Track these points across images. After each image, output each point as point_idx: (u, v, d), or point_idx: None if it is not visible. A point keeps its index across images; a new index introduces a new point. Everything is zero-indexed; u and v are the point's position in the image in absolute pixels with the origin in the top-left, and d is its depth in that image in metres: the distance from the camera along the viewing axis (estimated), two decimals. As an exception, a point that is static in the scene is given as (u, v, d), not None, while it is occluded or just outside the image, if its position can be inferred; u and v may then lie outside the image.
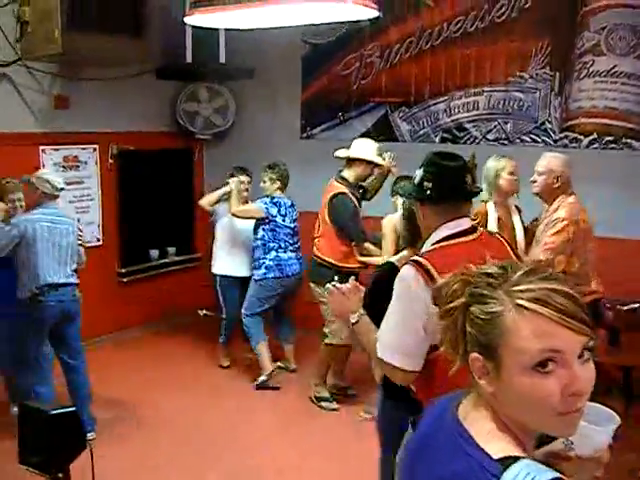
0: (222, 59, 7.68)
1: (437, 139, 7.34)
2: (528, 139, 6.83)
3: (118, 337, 7.84)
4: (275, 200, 6.67)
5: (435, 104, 7.32)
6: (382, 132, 7.64)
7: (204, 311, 7.82)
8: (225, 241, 7.12)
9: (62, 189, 5.52)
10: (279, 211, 6.65)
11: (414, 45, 7.33)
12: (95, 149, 7.72)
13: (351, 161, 6.11)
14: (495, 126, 6.99)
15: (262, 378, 6.67)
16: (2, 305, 5.43)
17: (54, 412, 3.01)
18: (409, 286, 2.72)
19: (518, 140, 6.87)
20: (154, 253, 8.40)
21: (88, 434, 5.37)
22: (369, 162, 6.09)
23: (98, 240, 7.73)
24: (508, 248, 3.03)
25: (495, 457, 1.39)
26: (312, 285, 6.23)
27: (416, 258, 2.78)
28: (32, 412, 3.09)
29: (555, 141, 6.70)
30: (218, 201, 6.99)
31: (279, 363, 6.92)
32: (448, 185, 2.87)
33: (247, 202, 6.89)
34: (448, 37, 7.12)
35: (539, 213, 5.12)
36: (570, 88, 6.57)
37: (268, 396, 6.51)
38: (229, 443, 5.61)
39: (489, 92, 6.99)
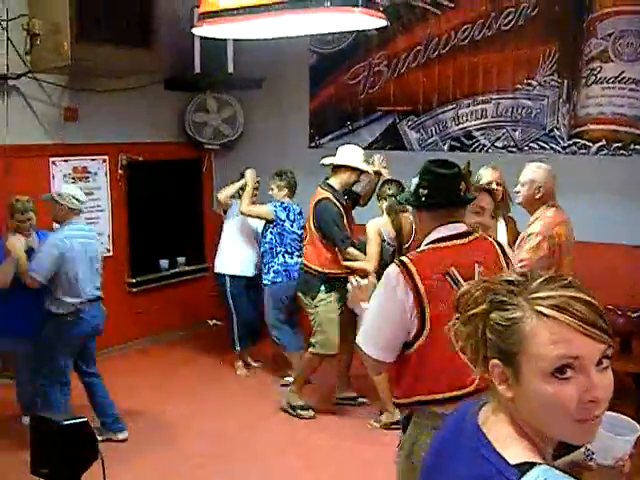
0: (230, 69, 7.71)
1: (446, 147, 7.34)
2: (536, 146, 6.82)
3: (128, 347, 7.85)
4: (285, 205, 6.77)
5: (443, 112, 7.32)
6: (390, 141, 7.66)
7: (214, 321, 7.83)
8: (234, 240, 7.15)
9: (84, 202, 5.63)
10: (288, 216, 6.73)
11: (421, 54, 7.33)
12: (105, 160, 7.75)
13: (337, 168, 6.11)
14: (503, 133, 6.99)
15: (291, 379, 6.68)
16: (23, 322, 5.44)
17: (66, 422, 3.01)
18: (391, 285, 2.93)
19: (527, 147, 6.86)
20: (164, 263, 8.42)
21: (123, 433, 5.73)
22: (354, 169, 6.09)
23: (108, 251, 7.74)
24: (499, 253, 3.11)
25: (512, 462, 1.40)
26: (300, 295, 6.27)
27: (403, 259, 2.97)
28: (44, 423, 3.10)
29: (564, 148, 6.69)
30: (234, 196, 7.08)
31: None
32: (442, 192, 3.03)
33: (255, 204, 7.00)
34: (455, 45, 7.12)
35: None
36: (578, 95, 6.56)
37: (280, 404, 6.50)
38: (240, 452, 5.61)
39: (497, 100, 6.98)
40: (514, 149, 6.89)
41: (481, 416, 1.57)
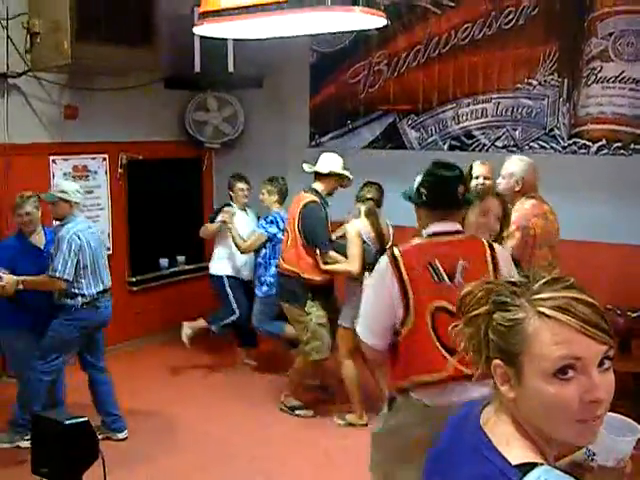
0: (231, 68, 7.70)
1: (446, 147, 7.34)
2: (537, 146, 6.82)
3: (128, 346, 7.84)
4: (270, 219, 6.83)
5: (443, 112, 7.32)
6: (390, 140, 7.67)
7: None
8: (229, 244, 7.13)
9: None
10: (278, 226, 6.77)
11: (422, 53, 7.33)
12: (105, 159, 7.75)
13: (322, 175, 6.12)
14: (504, 133, 6.99)
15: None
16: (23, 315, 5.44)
17: (68, 422, 3.02)
18: (381, 274, 3.22)
19: (527, 147, 6.86)
20: (164, 262, 8.42)
21: (122, 432, 5.73)
22: (339, 176, 6.14)
23: (108, 249, 7.73)
24: (488, 253, 3.24)
25: (514, 463, 1.41)
26: (285, 305, 6.24)
27: (394, 250, 3.23)
28: (45, 422, 3.10)
29: (564, 147, 6.69)
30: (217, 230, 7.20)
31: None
32: (440, 194, 3.29)
33: (245, 209, 7.29)
34: (456, 45, 7.12)
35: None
36: (578, 94, 6.56)
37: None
38: (242, 453, 5.61)
39: (497, 99, 6.98)
40: (514, 148, 6.89)
41: (483, 416, 1.57)
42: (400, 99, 7.57)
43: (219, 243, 7.28)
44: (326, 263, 5.92)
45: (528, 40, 6.74)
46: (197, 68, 7.69)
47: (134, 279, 8.09)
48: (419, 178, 3.37)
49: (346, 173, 6.16)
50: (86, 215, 7.36)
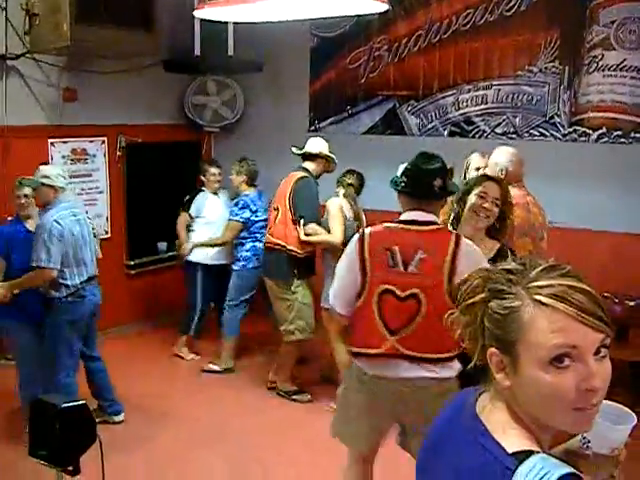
0: (230, 52, 7.67)
1: (445, 133, 7.32)
2: (537, 133, 6.81)
3: (125, 330, 7.85)
4: (241, 204, 6.83)
5: (444, 98, 7.30)
6: (390, 126, 7.65)
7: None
8: (206, 231, 7.16)
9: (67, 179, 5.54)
10: (251, 210, 6.80)
11: (423, 38, 7.31)
12: (103, 142, 7.73)
13: (312, 157, 6.22)
14: (504, 120, 6.97)
15: (215, 367, 6.93)
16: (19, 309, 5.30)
17: (65, 405, 3.02)
18: (350, 249, 3.59)
19: (527, 134, 6.85)
20: (162, 246, 8.41)
21: (119, 415, 5.71)
22: (326, 159, 6.24)
23: (106, 232, 7.74)
24: (452, 247, 3.43)
25: (510, 451, 1.41)
26: (270, 281, 6.24)
27: (365, 230, 3.61)
28: (43, 405, 3.10)
29: (564, 135, 6.67)
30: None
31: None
32: (417, 185, 3.54)
33: (217, 193, 7.32)
34: (457, 30, 7.10)
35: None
36: (579, 82, 6.55)
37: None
38: (236, 436, 5.63)
39: (498, 86, 6.96)
40: (514, 135, 6.88)
41: (479, 405, 1.57)
42: (400, 85, 7.55)
43: (197, 232, 7.24)
44: (308, 235, 5.97)
45: (529, 27, 6.71)
46: (197, 51, 7.67)
47: (132, 262, 8.09)
48: (402, 168, 3.66)
49: (332, 156, 6.26)
50: (84, 198, 7.40)
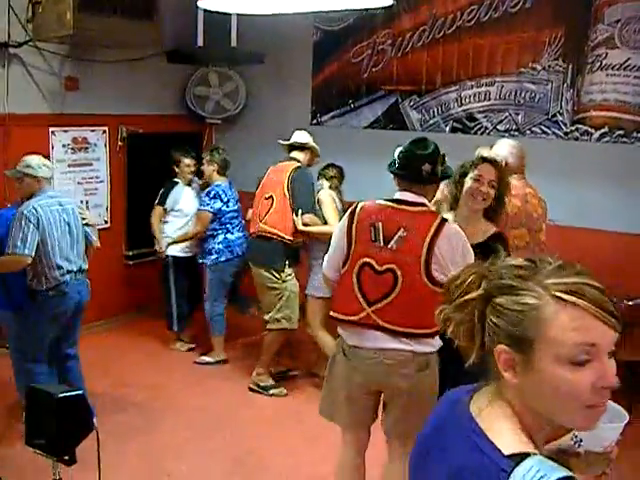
0: (233, 43, 7.67)
1: (447, 129, 7.31)
2: (539, 131, 6.80)
3: (123, 319, 7.85)
4: (212, 194, 6.79)
5: (446, 93, 7.28)
6: (392, 120, 7.64)
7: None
8: (184, 221, 7.14)
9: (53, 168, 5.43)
10: (222, 200, 6.77)
11: (426, 33, 7.28)
12: (105, 131, 7.71)
13: (300, 148, 6.25)
14: (506, 117, 6.96)
15: (208, 359, 6.94)
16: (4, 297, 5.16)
17: (62, 395, 3.02)
18: (343, 221, 3.83)
19: (529, 131, 6.84)
20: (161, 237, 8.39)
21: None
22: (311, 151, 6.27)
23: (105, 222, 7.73)
24: (433, 229, 3.57)
25: (506, 452, 1.40)
26: (260, 270, 6.19)
27: (357, 205, 3.78)
28: (40, 395, 3.10)
29: (566, 133, 6.66)
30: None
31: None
32: (407, 168, 3.71)
33: (189, 184, 7.29)
34: (461, 26, 7.07)
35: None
36: (582, 80, 6.53)
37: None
38: (226, 427, 5.64)
39: (501, 82, 6.95)
40: (516, 133, 6.86)
41: (474, 404, 1.56)
42: (403, 79, 7.53)
43: (172, 225, 7.18)
44: (305, 225, 5.99)
45: (534, 24, 6.69)
46: (200, 42, 7.66)
47: (131, 253, 8.07)
48: (397, 151, 3.83)
49: (318, 149, 6.32)
50: (84, 187, 7.40)
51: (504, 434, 1.45)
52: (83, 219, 5.33)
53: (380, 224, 3.64)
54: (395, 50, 7.53)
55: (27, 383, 4.63)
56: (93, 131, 7.61)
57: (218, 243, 6.79)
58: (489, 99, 7.03)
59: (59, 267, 5.02)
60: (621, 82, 6.34)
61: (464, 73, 7.15)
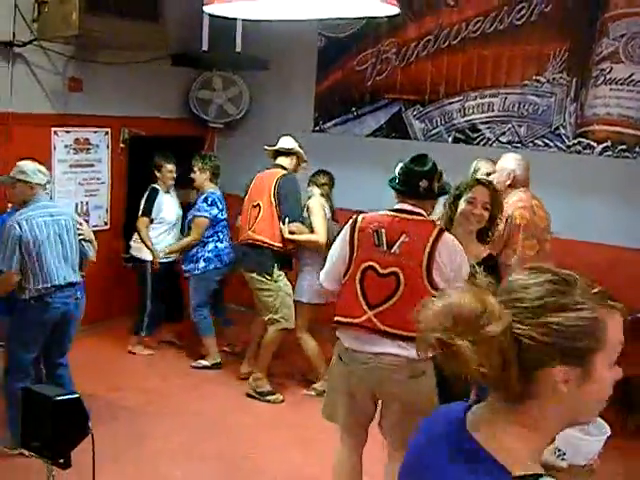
0: (238, 48, 7.66)
1: (450, 139, 7.31)
2: (541, 143, 6.80)
3: (121, 322, 7.81)
4: (210, 200, 6.80)
5: (450, 104, 7.29)
6: (395, 129, 7.64)
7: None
8: (166, 230, 7.11)
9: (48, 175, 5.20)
10: (218, 208, 6.81)
11: (431, 43, 7.29)
12: (107, 133, 7.71)
13: (284, 154, 6.26)
14: (509, 128, 6.96)
15: (204, 362, 6.91)
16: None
17: (58, 398, 3.01)
18: (344, 232, 3.93)
19: (531, 144, 6.84)
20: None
21: None
22: (297, 157, 6.28)
23: (106, 224, 7.73)
24: (433, 237, 3.71)
25: (516, 474, 1.37)
26: (253, 275, 6.17)
27: (358, 216, 3.93)
28: (36, 397, 3.08)
29: (568, 147, 6.66)
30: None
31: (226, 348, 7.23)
32: (405, 183, 3.87)
33: (168, 191, 7.16)
34: (466, 37, 7.08)
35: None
36: (586, 94, 6.53)
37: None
38: (224, 432, 5.62)
39: (504, 94, 6.95)
40: (518, 145, 6.87)
41: (475, 425, 1.51)
42: (407, 89, 7.54)
43: (156, 231, 7.12)
44: (292, 233, 6.01)
45: (539, 37, 6.70)
46: (204, 46, 7.65)
47: (129, 255, 8.04)
48: (397, 168, 3.96)
49: (303, 154, 6.31)
50: (85, 189, 7.39)
51: (512, 454, 1.41)
52: (80, 234, 5.19)
53: (383, 230, 3.77)
54: (400, 59, 7.53)
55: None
56: (95, 132, 7.61)
57: (208, 251, 6.80)
58: (492, 110, 7.03)
59: (44, 280, 4.86)
60: (625, 97, 6.34)
61: (468, 84, 7.16)
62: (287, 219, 5.99)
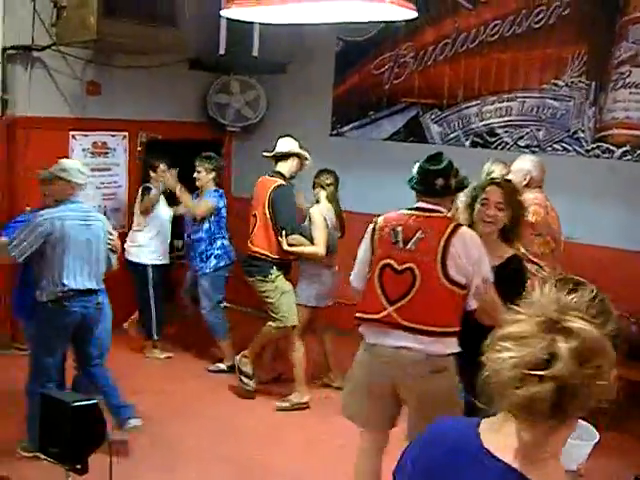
0: (255, 52, 7.66)
1: (468, 143, 7.28)
2: (560, 147, 6.76)
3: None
4: (220, 193, 6.95)
5: (467, 107, 7.26)
6: (412, 133, 7.62)
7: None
8: (159, 232, 7.14)
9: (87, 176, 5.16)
10: (224, 203, 6.94)
11: (449, 47, 7.27)
12: (125, 136, 7.74)
13: (284, 157, 6.17)
14: (527, 133, 6.92)
15: (222, 366, 6.92)
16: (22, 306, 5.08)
17: (76, 404, 3.01)
18: (367, 233, 4.04)
19: (549, 148, 6.80)
20: (178, 243, 8.37)
21: (134, 420, 5.14)
22: (299, 156, 6.19)
23: (123, 227, 7.73)
24: (448, 233, 3.76)
25: None
26: (255, 282, 6.17)
27: (379, 217, 4.03)
28: (54, 403, 3.09)
29: (587, 151, 6.62)
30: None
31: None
32: (422, 182, 3.96)
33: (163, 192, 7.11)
34: (484, 41, 7.05)
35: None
36: (605, 98, 6.49)
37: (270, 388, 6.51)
38: (236, 436, 5.62)
39: (523, 98, 6.92)
40: (536, 149, 6.83)
41: (492, 442, 1.49)
42: (424, 92, 7.52)
43: (143, 227, 7.13)
44: (291, 245, 5.97)
45: (557, 40, 6.66)
46: (222, 50, 7.66)
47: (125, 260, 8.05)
48: (414, 168, 4.04)
49: (304, 153, 6.22)
50: (103, 192, 7.41)
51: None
52: (109, 243, 5.10)
53: (400, 228, 3.86)
54: (417, 63, 7.51)
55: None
56: (113, 136, 7.64)
57: (217, 248, 6.88)
58: (510, 114, 7.00)
59: (62, 284, 4.76)
60: (644, 100, 6.30)
61: (486, 88, 7.13)
62: (284, 232, 5.95)
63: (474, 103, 7.21)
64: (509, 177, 5.22)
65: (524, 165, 5.37)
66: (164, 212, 7.17)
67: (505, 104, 7.02)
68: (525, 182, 5.36)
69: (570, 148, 6.72)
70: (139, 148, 7.86)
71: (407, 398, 3.87)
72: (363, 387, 3.97)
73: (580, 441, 1.74)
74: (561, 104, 6.71)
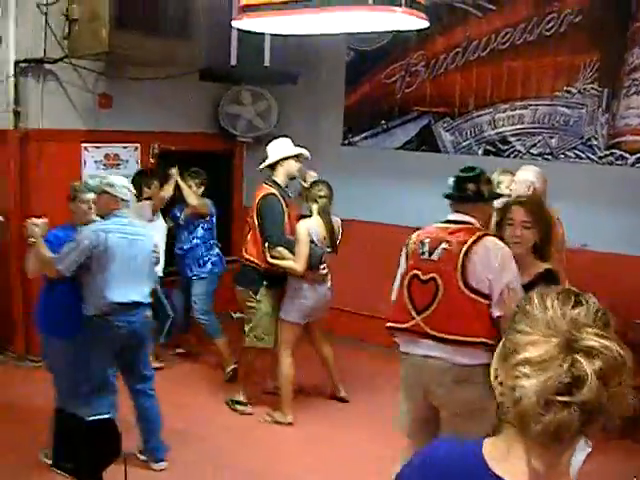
0: (266, 63, 7.67)
1: (480, 151, 7.26)
2: (573, 155, 6.72)
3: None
4: (211, 202, 7.13)
5: (479, 116, 7.24)
6: (425, 142, 7.60)
7: (237, 314, 7.79)
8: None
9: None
10: (215, 212, 7.14)
11: (460, 56, 7.26)
12: (137, 148, 7.75)
13: (276, 164, 6.07)
14: (540, 141, 6.89)
15: (230, 368, 6.93)
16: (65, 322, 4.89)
17: (90, 419, 3.00)
18: (402, 253, 4.14)
19: (562, 156, 6.77)
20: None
21: (160, 463, 5.07)
22: (292, 156, 6.09)
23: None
24: (467, 245, 3.81)
25: None
26: (241, 289, 6.17)
27: (413, 233, 4.12)
28: (68, 419, 3.08)
29: (600, 158, 6.58)
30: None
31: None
32: (455, 190, 4.07)
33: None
34: (495, 49, 7.04)
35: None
36: (618, 105, 6.45)
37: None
38: (251, 445, 5.63)
39: (535, 106, 6.89)
40: (549, 157, 6.80)
41: (496, 460, 1.45)
42: (436, 101, 7.50)
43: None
44: (274, 257, 5.88)
45: (569, 48, 6.63)
46: (233, 61, 7.67)
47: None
48: (450, 179, 4.12)
49: (296, 151, 6.12)
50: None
51: None
52: (154, 257, 5.17)
53: (428, 240, 3.96)
54: (428, 72, 7.50)
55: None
56: (125, 148, 7.65)
57: (214, 256, 7.11)
58: (523, 122, 6.97)
59: (105, 297, 4.74)
60: (658, 107, 6.26)
61: (498, 96, 7.11)
62: (267, 243, 5.87)
63: (486, 111, 7.18)
64: (512, 187, 5.30)
65: (527, 176, 5.32)
66: (161, 225, 7.15)
67: (517, 112, 6.99)
68: (529, 193, 5.29)
69: (583, 155, 6.69)
70: (152, 160, 7.86)
71: (439, 407, 3.91)
72: (405, 399, 4.08)
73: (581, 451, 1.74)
74: (573, 111, 6.68)
